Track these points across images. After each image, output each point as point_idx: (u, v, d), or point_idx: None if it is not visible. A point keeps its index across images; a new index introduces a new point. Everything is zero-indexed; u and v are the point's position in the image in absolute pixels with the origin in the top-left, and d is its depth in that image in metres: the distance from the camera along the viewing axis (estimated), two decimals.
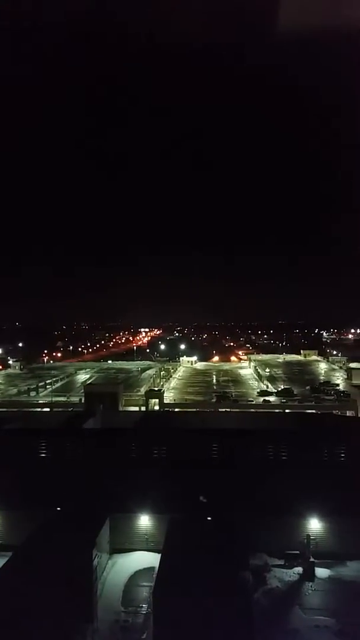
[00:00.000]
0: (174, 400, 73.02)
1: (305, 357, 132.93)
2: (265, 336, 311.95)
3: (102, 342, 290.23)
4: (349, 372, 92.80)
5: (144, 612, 24.04)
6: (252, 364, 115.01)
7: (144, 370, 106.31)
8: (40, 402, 73.53)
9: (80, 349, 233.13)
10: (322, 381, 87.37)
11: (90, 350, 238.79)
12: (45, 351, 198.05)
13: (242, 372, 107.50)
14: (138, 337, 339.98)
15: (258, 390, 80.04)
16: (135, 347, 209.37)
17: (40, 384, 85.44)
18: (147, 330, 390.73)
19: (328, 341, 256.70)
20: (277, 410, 63.45)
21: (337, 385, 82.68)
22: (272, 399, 72.25)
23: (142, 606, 24.57)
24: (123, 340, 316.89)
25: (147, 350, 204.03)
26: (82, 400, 66.81)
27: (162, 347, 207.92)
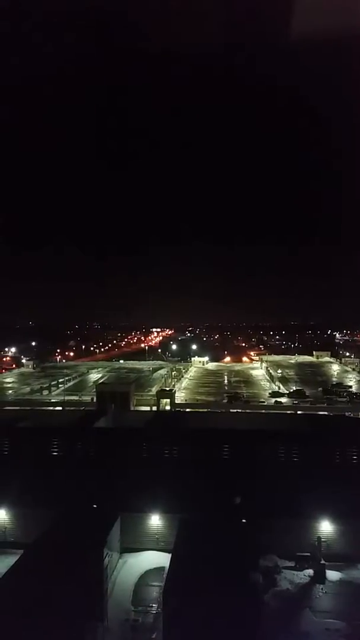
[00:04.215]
0: (185, 400, 72.98)
1: (317, 358, 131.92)
2: (277, 337, 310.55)
3: (114, 341, 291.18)
4: None
5: (154, 611, 24.10)
6: (264, 364, 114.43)
7: (155, 370, 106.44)
8: (52, 401, 73.98)
9: (92, 349, 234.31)
10: (334, 383, 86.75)
11: (102, 349, 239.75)
12: (58, 350, 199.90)
13: (254, 372, 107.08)
14: (150, 337, 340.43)
15: (270, 391, 79.71)
16: (146, 347, 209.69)
17: (53, 383, 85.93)
18: (158, 330, 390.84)
19: (341, 342, 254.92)
20: (288, 412, 63.10)
21: (350, 387, 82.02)
22: (284, 400, 71.91)
23: (152, 606, 24.65)
24: (135, 340, 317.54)
25: (159, 350, 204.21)
26: (94, 400, 67.04)
27: (174, 347, 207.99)
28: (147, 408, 66.68)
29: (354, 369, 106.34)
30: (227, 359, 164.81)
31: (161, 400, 67.58)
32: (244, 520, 27.82)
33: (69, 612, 21.83)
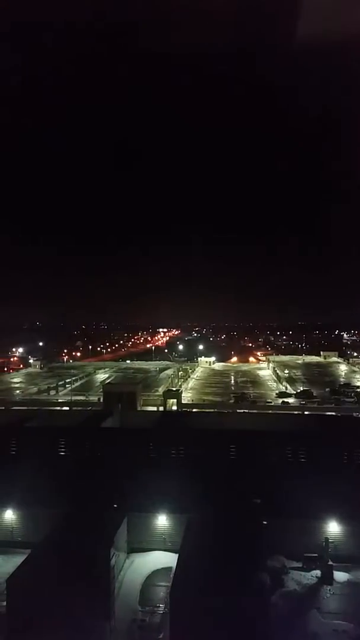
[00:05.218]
0: (192, 400, 72.96)
1: (325, 358, 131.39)
2: (284, 337, 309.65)
3: (121, 341, 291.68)
4: None
5: (161, 611, 24.11)
6: (271, 365, 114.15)
7: (162, 370, 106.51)
8: (59, 401, 74.23)
9: (99, 349, 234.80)
10: (342, 383, 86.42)
11: (109, 349, 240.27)
12: (65, 350, 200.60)
13: (261, 373, 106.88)
14: (156, 337, 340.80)
15: (277, 391, 79.54)
16: (153, 347, 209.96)
17: (60, 383, 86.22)
18: (165, 330, 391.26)
19: (349, 342, 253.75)
20: (296, 412, 62.88)
21: (358, 387, 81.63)
22: (291, 400, 71.69)
23: (159, 606, 24.64)
24: (141, 340, 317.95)
25: (166, 351, 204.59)
26: (101, 400, 67.16)
27: (181, 347, 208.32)
28: (154, 408, 66.67)
29: None
30: (234, 359, 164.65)
31: (168, 400, 67.58)
32: (265, 522, 27.77)
33: (76, 611, 21.87)
